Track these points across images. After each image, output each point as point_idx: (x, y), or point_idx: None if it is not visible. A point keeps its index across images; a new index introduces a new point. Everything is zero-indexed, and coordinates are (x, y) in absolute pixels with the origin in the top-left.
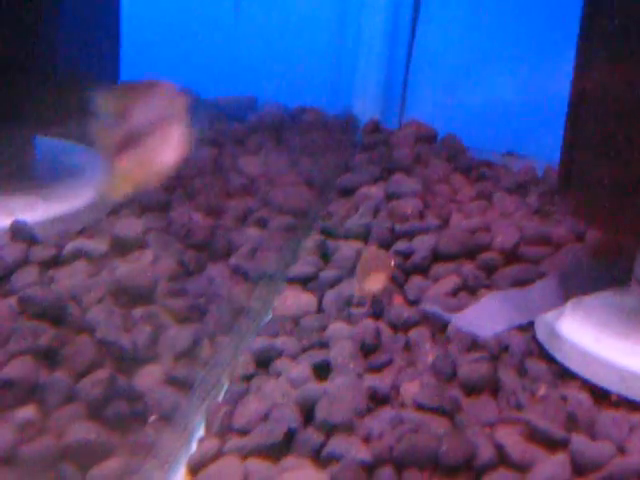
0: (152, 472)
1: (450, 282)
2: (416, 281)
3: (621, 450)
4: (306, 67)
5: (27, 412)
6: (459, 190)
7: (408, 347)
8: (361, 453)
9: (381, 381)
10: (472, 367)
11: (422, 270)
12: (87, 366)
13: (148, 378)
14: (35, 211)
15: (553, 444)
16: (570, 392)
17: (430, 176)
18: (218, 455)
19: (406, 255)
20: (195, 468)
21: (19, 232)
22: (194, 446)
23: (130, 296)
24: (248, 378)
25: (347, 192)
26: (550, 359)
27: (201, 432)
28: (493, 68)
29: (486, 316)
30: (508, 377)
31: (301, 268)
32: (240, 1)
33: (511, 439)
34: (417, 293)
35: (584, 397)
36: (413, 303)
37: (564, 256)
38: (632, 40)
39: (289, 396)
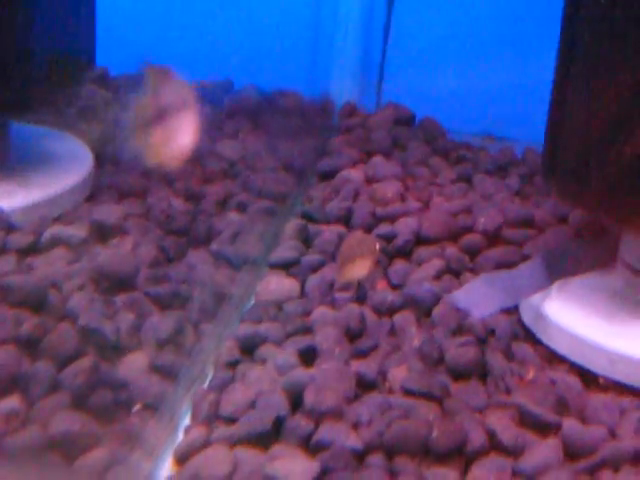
0: (138, 462)
1: (434, 265)
2: (399, 265)
3: (612, 434)
4: (282, 51)
5: (11, 402)
6: (439, 173)
7: (393, 332)
8: (351, 440)
9: (368, 366)
10: (459, 351)
11: (405, 254)
12: (70, 355)
13: (132, 366)
14: (12, 198)
15: (544, 428)
16: (558, 375)
17: (409, 159)
18: (205, 444)
19: (388, 239)
20: (182, 458)
21: None
22: (180, 435)
23: (111, 283)
24: (233, 365)
25: (327, 176)
26: (537, 342)
27: (187, 421)
28: (470, 51)
29: (477, 297)
30: (496, 361)
31: (283, 253)
32: None
33: (502, 424)
34: (401, 277)
35: (573, 380)
36: (397, 287)
37: (548, 238)
38: (617, 20)
39: (276, 383)
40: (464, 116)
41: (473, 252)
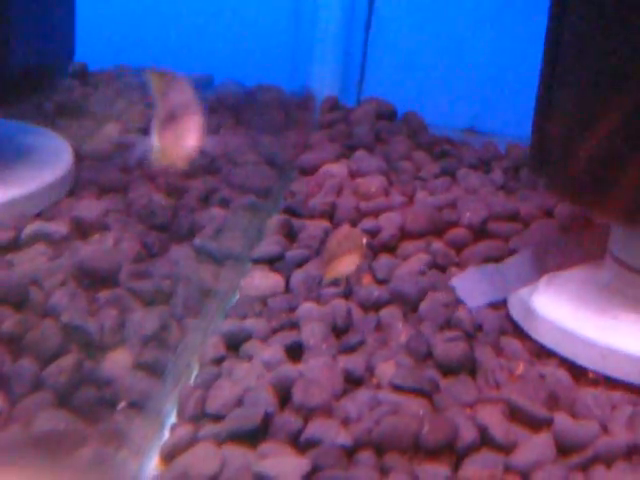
0: (124, 461)
1: (419, 260)
2: (384, 260)
3: (604, 429)
4: (263, 45)
5: None
6: (422, 167)
7: (380, 327)
8: (341, 437)
9: (355, 362)
10: (448, 346)
11: (390, 248)
12: (53, 352)
13: (116, 364)
14: None
15: (536, 424)
16: (548, 370)
17: (392, 153)
18: (192, 442)
19: (373, 233)
20: (169, 456)
21: None
22: (167, 433)
23: (94, 279)
24: (219, 361)
25: (309, 170)
26: (525, 336)
27: (173, 418)
28: (450, 45)
29: (470, 287)
30: (485, 356)
31: (267, 248)
32: None
33: (493, 419)
34: (386, 272)
35: (563, 375)
36: (382, 282)
37: (533, 232)
38: (604, 13)
39: (263, 379)
40: (446, 111)
41: (459, 246)
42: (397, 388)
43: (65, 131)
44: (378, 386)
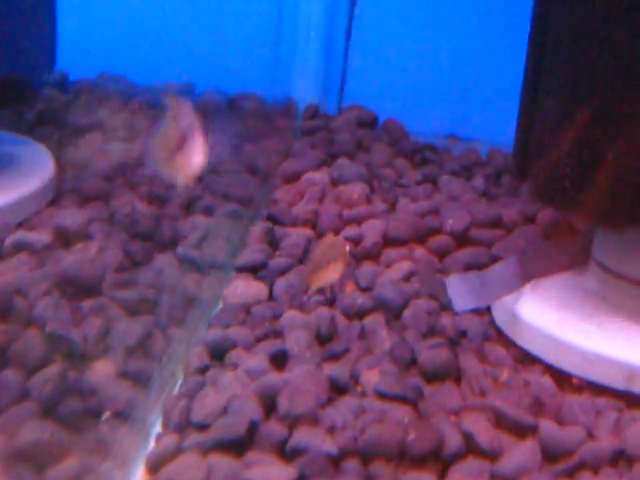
0: (110, 472)
1: (402, 267)
2: (367, 267)
3: (590, 435)
4: (244, 53)
5: None
6: (404, 174)
7: (364, 334)
8: (326, 445)
9: (340, 370)
10: (432, 353)
11: (373, 256)
12: (38, 362)
13: (100, 373)
14: None
15: (521, 430)
16: (532, 377)
17: (374, 161)
18: (178, 452)
19: (356, 241)
20: (154, 466)
21: None
22: (152, 443)
23: (77, 288)
24: (203, 370)
25: (291, 178)
26: (509, 343)
27: (158, 428)
28: (431, 52)
29: (458, 291)
30: (469, 363)
31: (250, 256)
32: None
33: (478, 426)
34: (369, 279)
35: (547, 381)
36: (365, 289)
37: (516, 238)
38: (588, 17)
39: (248, 388)
40: (427, 117)
41: (442, 253)
42: (382, 395)
43: (46, 140)
44: (363, 394)
